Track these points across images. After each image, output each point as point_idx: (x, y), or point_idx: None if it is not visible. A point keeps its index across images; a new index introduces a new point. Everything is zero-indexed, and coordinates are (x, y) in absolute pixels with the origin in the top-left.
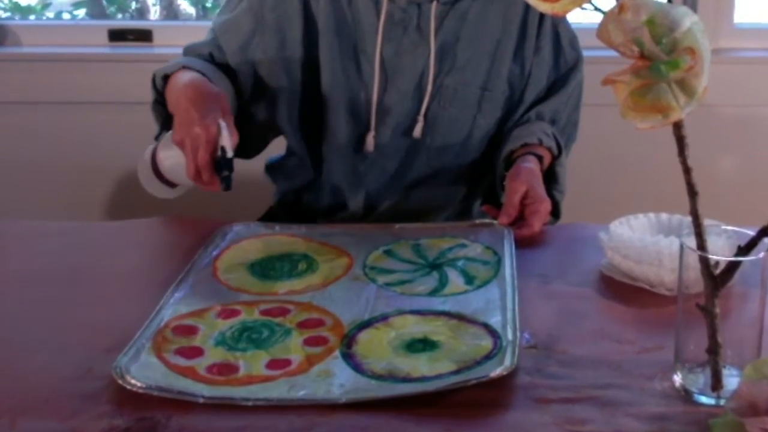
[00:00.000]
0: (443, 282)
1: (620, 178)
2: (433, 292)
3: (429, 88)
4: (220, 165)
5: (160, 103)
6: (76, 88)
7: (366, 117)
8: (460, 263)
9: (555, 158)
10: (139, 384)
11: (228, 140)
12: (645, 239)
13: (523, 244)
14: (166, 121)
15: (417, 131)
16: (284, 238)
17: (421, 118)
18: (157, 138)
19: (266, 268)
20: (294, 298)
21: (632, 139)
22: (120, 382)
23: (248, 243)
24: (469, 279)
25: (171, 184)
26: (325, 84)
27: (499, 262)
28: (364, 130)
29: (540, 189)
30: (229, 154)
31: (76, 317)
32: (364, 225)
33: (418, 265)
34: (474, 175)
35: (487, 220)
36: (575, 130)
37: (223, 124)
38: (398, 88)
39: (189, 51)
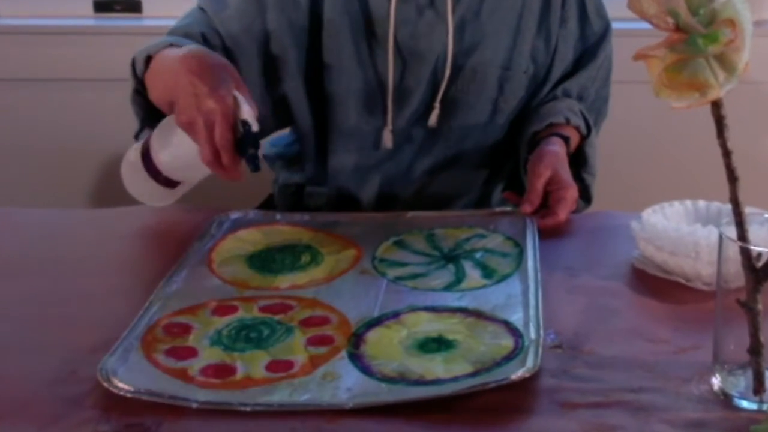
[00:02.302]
0: (460, 276)
1: (653, 162)
2: (449, 287)
3: (447, 71)
4: (244, 143)
5: (140, 93)
6: (59, 63)
7: (381, 108)
8: (478, 255)
9: (584, 138)
10: (127, 387)
11: (250, 112)
12: (681, 229)
13: (547, 234)
14: (148, 115)
15: (432, 119)
16: (286, 228)
17: (437, 105)
18: (137, 137)
19: (266, 261)
20: (296, 293)
21: (666, 119)
22: (106, 385)
23: (246, 233)
24: (487, 272)
25: (171, 184)
26: (333, 73)
27: (520, 254)
28: (378, 123)
29: (565, 174)
30: (255, 127)
31: (58, 314)
32: (372, 214)
33: (432, 258)
34: (496, 159)
35: (507, 209)
36: (605, 105)
37: (239, 95)
38: (415, 74)
39: (175, 32)
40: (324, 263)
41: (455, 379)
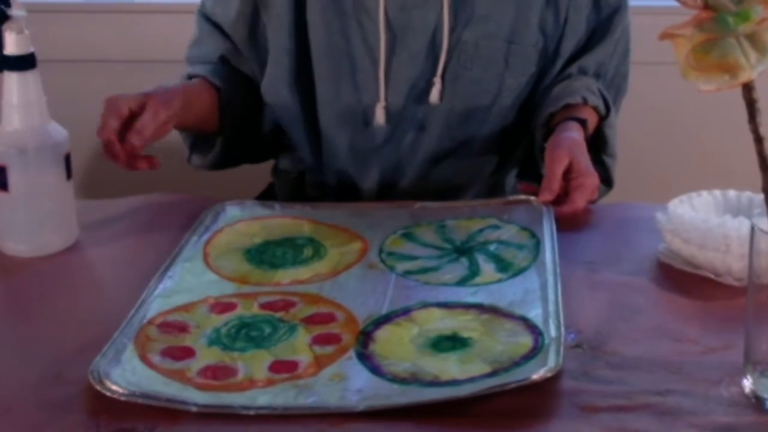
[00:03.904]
0: (473, 270)
1: (680, 149)
2: (462, 282)
3: (445, 44)
4: None
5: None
6: (39, 43)
7: (373, 85)
8: (492, 247)
9: (603, 119)
10: (120, 390)
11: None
12: (710, 220)
13: (566, 226)
14: (195, 141)
15: (434, 96)
16: (286, 221)
17: (437, 80)
18: (189, 161)
19: (265, 255)
20: (298, 288)
21: (694, 103)
22: (98, 388)
23: (244, 225)
24: (503, 266)
25: None
26: (318, 50)
27: (537, 246)
28: (370, 101)
29: (585, 161)
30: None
31: (43, 313)
32: (379, 203)
33: (443, 250)
34: (506, 143)
35: (522, 197)
36: (625, 82)
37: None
38: (408, 49)
39: (193, 60)
40: (328, 257)
41: (472, 380)
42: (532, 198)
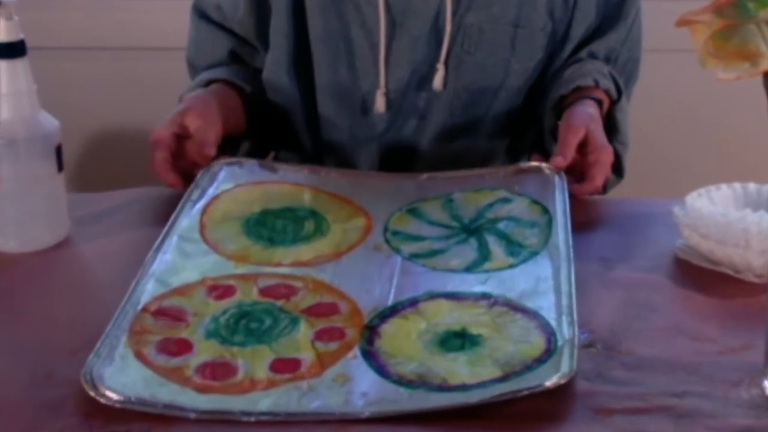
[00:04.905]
0: (483, 253)
1: (698, 141)
2: (471, 268)
3: (448, 28)
4: None
5: None
6: (29, 30)
7: (372, 71)
8: (501, 225)
9: (614, 103)
10: (115, 397)
11: None
12: (729, 215)
13: (579, 222)
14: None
15: (437, 82)
16: (286, 187)
17: (440, 66)
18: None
19: (264, 227)
20: (300, 271)
21: (712, 92)
22: (92, 393)
23: (242, 191)
24: (513, 249)
25: None
26: (316, 33)
27: (549, 224)
28: (370, 87)
29: (601, 136)
30: None
31: (33, 311)
32: (384, 174)
33: (451, 230)
34: (512, 131)
35: (533, 164)
36: (637, 68)
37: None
38: (409, 33)
39: (197, 62)
40: (330, 234)
41: (482, 384)
42: (544, 165)
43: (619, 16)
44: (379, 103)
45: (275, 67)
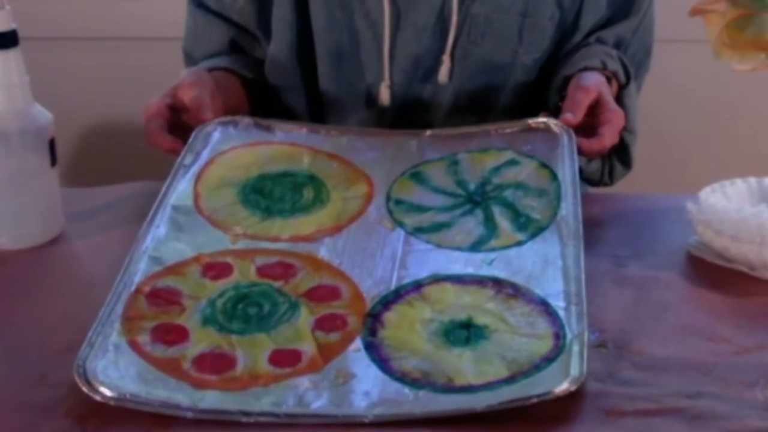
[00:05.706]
0: (489, 228)
1: (711, 135)
2: (477, 245)
3: (454, 19)
4: None
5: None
6: (21, 20)
7: (377, 63)
8: (508, 194)
9: (622, 87)
10: (109, 394)
11: None
12: (744, 210)
13: (589, 217)
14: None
15: (443, 74)
16: (284, 149)
17: (446, 58)
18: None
19: (261, 193)
20: (299, 247)
21: (727, 84)
22: (86, 389)
23: (237, 154)
24: (521, 222)
25: None
26: (318, 24)
27: (558, 191)
28: (374, 80)
29: (611, 99)
30: None
31: (26, 309)
32: (386, 131)
33: (456, 198)
34: (519, 115)
35: (542, 119)
36: (648, 57)
37: None
38: (414, 23)
39: (195, 52)
40: (330, 203)
41: (489, 385)
42: (553, 121)
43: (631, 7)
44: (384, 96)
45: (279, 57)
